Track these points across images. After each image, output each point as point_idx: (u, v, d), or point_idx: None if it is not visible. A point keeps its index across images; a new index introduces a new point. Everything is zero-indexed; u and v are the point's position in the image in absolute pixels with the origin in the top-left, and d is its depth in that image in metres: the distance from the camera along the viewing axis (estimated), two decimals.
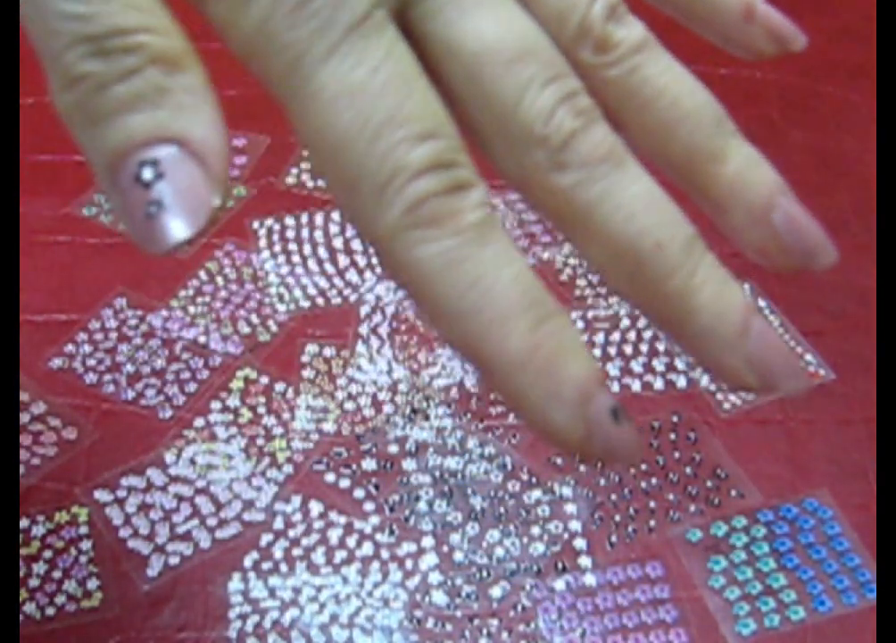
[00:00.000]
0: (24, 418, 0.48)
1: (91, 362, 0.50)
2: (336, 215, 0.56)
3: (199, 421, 0.48)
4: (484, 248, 0.19)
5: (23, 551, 0.44)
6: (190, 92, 0.19)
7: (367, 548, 0.44)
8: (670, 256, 0.21)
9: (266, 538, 0.45)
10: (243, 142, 0.59)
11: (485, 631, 0.42)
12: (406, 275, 0.19)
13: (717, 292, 0.21)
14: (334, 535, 0.45)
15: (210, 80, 0.20)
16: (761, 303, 0.53)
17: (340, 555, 0.44)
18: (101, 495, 0.46)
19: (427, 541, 0.45)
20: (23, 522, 0.45)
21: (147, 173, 0.19)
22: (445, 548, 0.44)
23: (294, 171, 0.58)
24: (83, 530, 0.45)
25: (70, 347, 0.50)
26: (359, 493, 0.46)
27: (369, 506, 0.46)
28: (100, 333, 0.51)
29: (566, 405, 0.19)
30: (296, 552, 0.44)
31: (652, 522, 0.45)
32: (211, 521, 0.45)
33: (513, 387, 0.20)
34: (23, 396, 0.48)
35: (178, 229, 0.19)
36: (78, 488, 0.46)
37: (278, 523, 0.45)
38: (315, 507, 0.46)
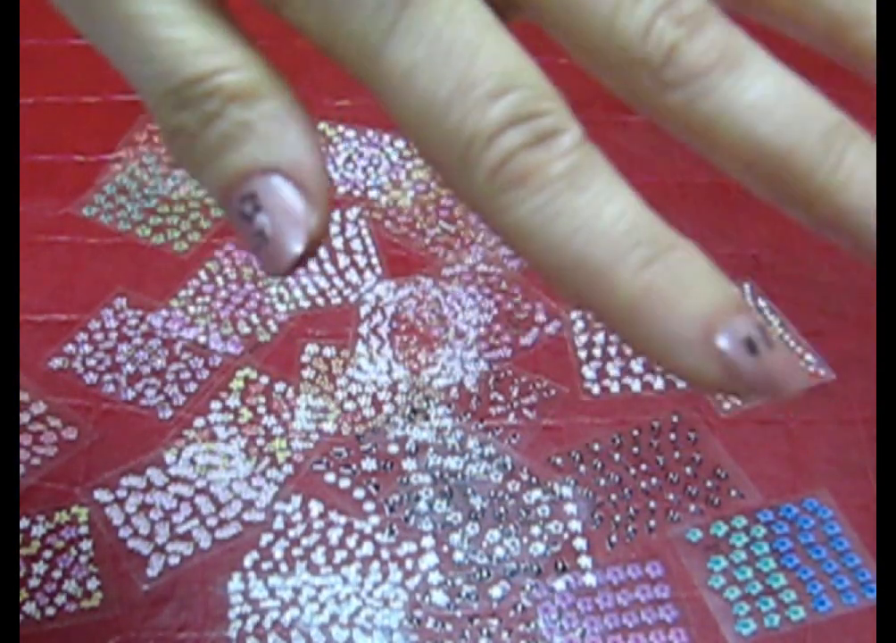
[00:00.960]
0: (24, 418, 0.48)
1: (91, 362, 0.50)
2: (335, 215, 0.56)
3: (199, 421, 0.48)
4: (578, 196, 0.18)
5: (23, 551, 0.44)
6: (273, 118, 0.20)
7: (367, 548, 0.44)
8: (808, 153, 0.19)
9: (266, 538, 0.45)
10: None
11: (485, 631, 0.42)
12: (507, 237, 0.19)
13: (865, 183, 0.20)
14: (334, 535, 0.45)
15: (295, 96, 0.20)
16: (761, 303, 0.53)
17: (340, 555, 0.44)
18: (101, 495, 0.46)
19: (427, 541, 0.45)
20: (23, 522, 0.45)
21: (247, 208, 0.20)
22: (445, 548, 0.44)
23: None
24: (83, 530, 0.45)
25: (70, 347, 0.50)
26: (359, 493, 0.46)
27: (369, 506, 0.46)
28: (100, 333, 0.51)
29: (691, 346, 0.18)
30: (296, 552, 0.44)
31: (652, 522, 0.45)
32: (211, 521, 0.45)
33: (634, 335, 0.19)
34: (23, 396, 0.48)
35: (284, 252, 0.20)
36: (78, 488, 0.46)
37: (278, 523, 0.45)
38: (315, 507, 0.46)
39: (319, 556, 0.44)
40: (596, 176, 0.19)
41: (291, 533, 0.45)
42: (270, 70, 0.20)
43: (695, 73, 0.19)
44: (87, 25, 0.20)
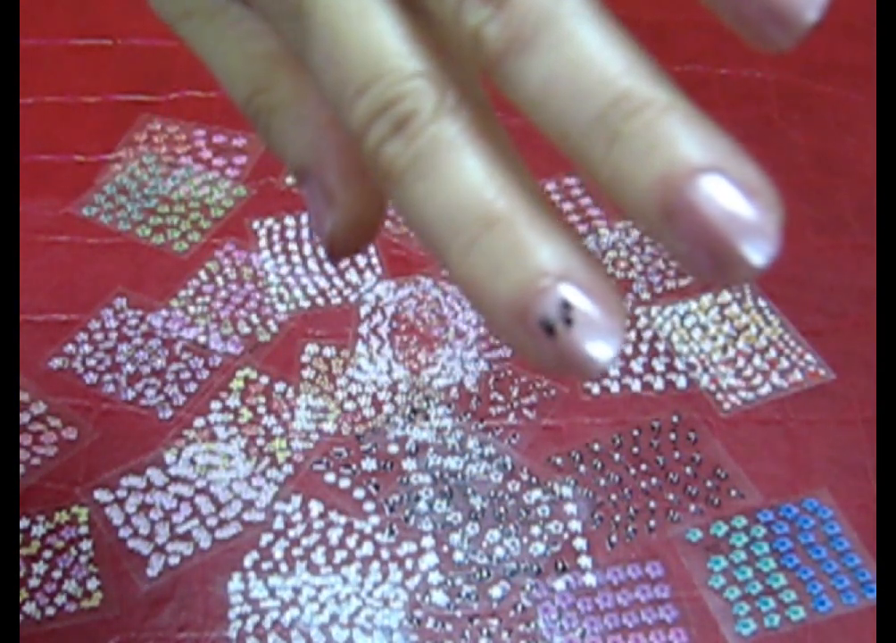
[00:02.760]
0: (24, 418, 0.48)
1: (91, 362, 0.50)
2: None
3: (199, 421, 0.48)
4: (417, 185, 0.18)
5: (23, 551, 0.44)
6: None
7: (367, 548, 0.44)
8: (577, 139, 0.17)
9: (266, 538, 0.45)
10: (243, 142, 0.59)
11: (485, 631, 0.42)
12: (382, 181, 0.19)
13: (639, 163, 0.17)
14: (334, 535, 0.45)
15: None
16: (761, 303, 0.53)
17: (340, 555, 0.44)
18: (101, 495, 0.46)
19: (427, 541, 0.45)
20: (23, 522, 0.45)
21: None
22: (445, 548, 0.44)
23: None
24: (83, 530, 0.45)
25: (70, 347, 0.50)
26: (359, 493, 0.46)
27: (369, 506, 0.46)
28: (100, 333, 0.51)
29: (506, 329, 0.17)
30: (296, 552, 0.44)
31: (652, 522, 0.45)
32: (211, 521, 0.45)
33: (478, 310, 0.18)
34: (23, 396, 0.48)
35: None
36: (79, 488, 0.46)
37: (278, 523, 0.45)
38: (315, 507, 0.46)
39: (319, 556, 0.44)
40: (438, 159, 0.18)
41: (291, 533, 0.45)
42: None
43: (495, 60, 0.18)
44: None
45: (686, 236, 0.16)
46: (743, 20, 0.18)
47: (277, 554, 0.44)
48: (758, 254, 0.16)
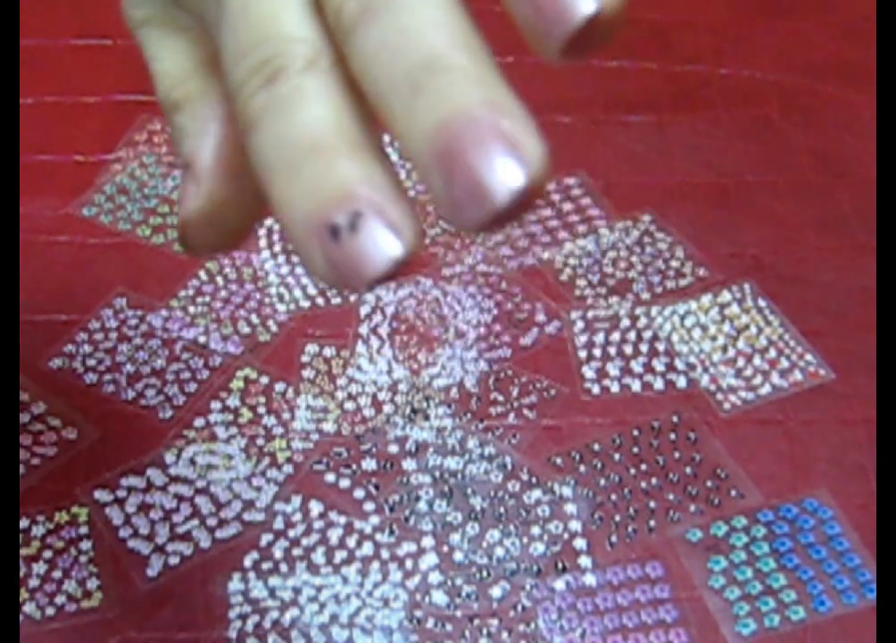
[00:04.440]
0: (24, 418, 0.48)
1: (91, 362, 0.50)
2: None
3: (199, 421, 0.48)
4: (271, 121, 0.19)
5: (23, 551, 0.44)
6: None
7: (367, 548, 0.44)
8: (393, 101, 0.19)
9: (266, 538, 0.45)
10: None
11: (485, 631, 0.42)
12: (244, 131, 0.20)
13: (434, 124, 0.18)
14: (334, 535, 0.45)
15: None
16: (761, 302, 0.53)
17: (340, 555, 0.44)
18: (101, 495, 0.46)
19: (427, 541, 0.45)
20: (23, 522, 0.45)
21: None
22: (445, 548, 0.44)
23: None
24: (83, 530, 0.45)
25: (70, 347, 0.50)
26: (359, 493, 0.46)
27: (369, 506, 0.46)
28: (100, 333, 0.51)
29: (298, 239, 0.19)
30: (296, 552, 0.44)
31: (652, 522, 0.45)
32: (211, 521, 0.45)
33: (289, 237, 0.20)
34: (23, 396, 0.48)
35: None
36: (78, 488, 0.46)
37: (278, 523, 0.45)
38: (315, 507, 0.46)
39: (319, 556, 0.44)
40: (291, 104, 0.19)
41: (291, 533, 0.45)
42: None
43: (347, 31, 0.19)
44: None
45: (449, 175, 0.18)
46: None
47: (277, 554, 0.44)
48: (505, 186, 0.18)
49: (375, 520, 0.45)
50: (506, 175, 0.17)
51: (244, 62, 0.20)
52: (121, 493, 0.46)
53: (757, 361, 0.51)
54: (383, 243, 0.18)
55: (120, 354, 0.50)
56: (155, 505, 0.45)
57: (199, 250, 0.24)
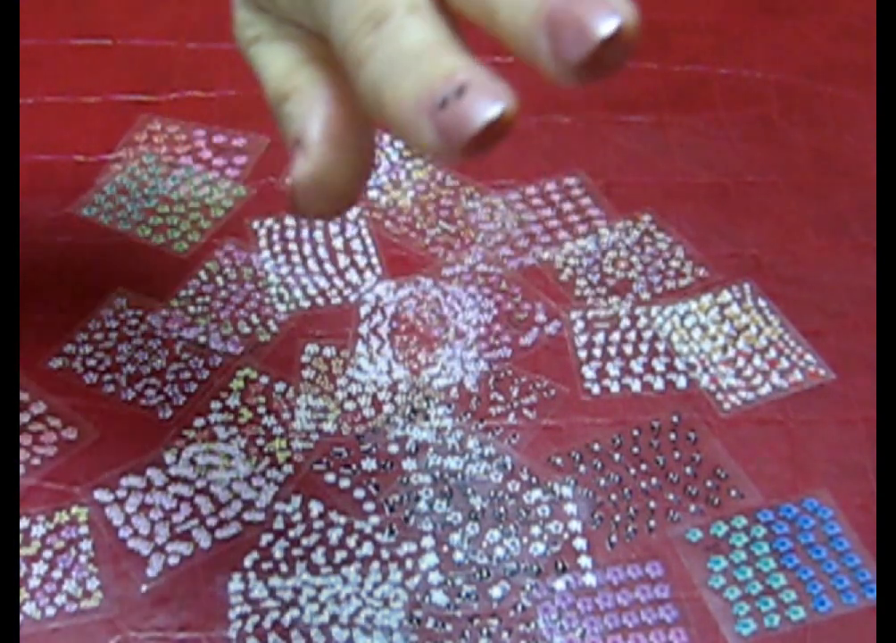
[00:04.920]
0: (24, 418, 0.48)
1: (91, 362, 0.50)
2: None
3: (199, 421, 0.48)
4: (379, 49, 0.23)
5: (23, 551, 0.44)
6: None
7: (367, 548, 0.44)
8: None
9: (266, 538, 0.45)
10: (243, 142, 0.59)
11: (485, 631, 0.42)
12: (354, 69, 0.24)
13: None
14: (334, 535, 0.45)
15: None
16: (761, 302, 0.53)
17: (340, 555, 0.44)
18: (101, 495, 0.46)
19: (427, 541, 0.45)
20: (23, 522, 0.45)
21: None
22: (445, 548, 0.44)
23: None
24: (83, 530, 0.45)
25: (70, 347, 0.50)
26: (359, 493, 0.46)
27: (369, 506, 0.46)
28: (100, 333, 0.51)
29: (406, 119, 0.22)
30: (296, 552, 0.44)
31: (652, 522, 0.45)
32: (211, 521, 0.45)
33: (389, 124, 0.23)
34: (23, 396, 0.48)
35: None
36: (78, 488, 0.46)
37: (278, 523, 0.45)
38: (315, 507, 0.46)
39: (319, 556, 0.44)
40: (397, 35, 0.23)
41: (291, 533, 0.45)
42: None
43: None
44: None
45: (556, 32, 0.21)
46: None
47: (277, 554, 0.44)
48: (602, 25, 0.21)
49: (375, 520, 0.45)
50: (603, 19, 0.21)
51: (353, 17, 0.23)
52: (121, 493, 0.46)
53: (757, 361, 0.51)
54: (485, 102, 0.21)
55: (120, 354, 0.50)
56: (155, 505, 0.45)
57: (308, 214, 0.27)
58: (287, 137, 0.27)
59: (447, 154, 0.22)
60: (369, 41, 0.23)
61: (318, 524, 0.45)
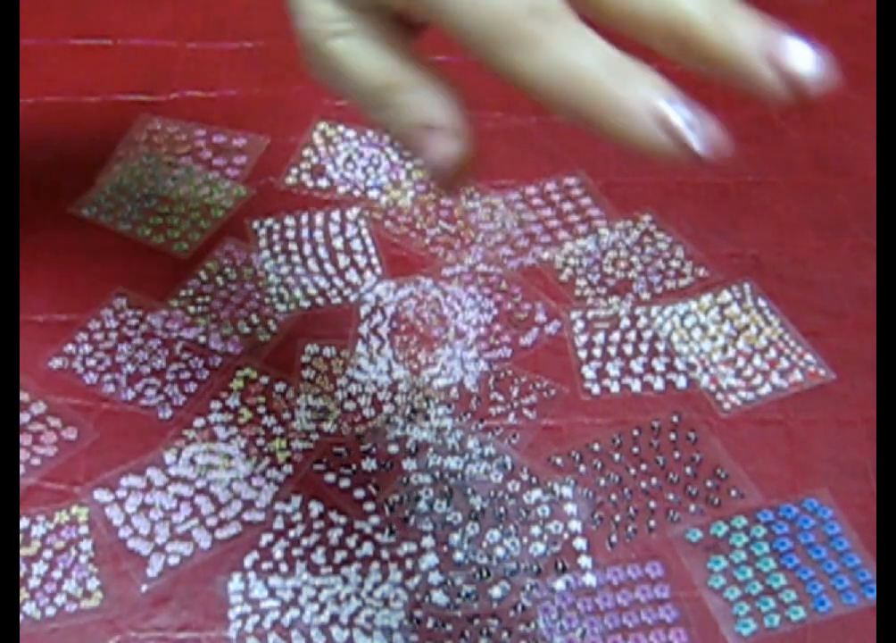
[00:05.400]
0: (24, 418, 0.48)
1: (91, 362, 0.50)
2: (335, 215, 0.56)
3: (199, 421, 0.48)
4: (547, 31, 0.26)
5: (23, 551, 0.44)
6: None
7: (367, 548, 0.44)
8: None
9: (266, 538, 0.45)
10: (243, 142, 0.59)
11: (485, 631, 0.42)
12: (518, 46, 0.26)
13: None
14: (334, 535, 0.45)
15: None
16: (761, 303, 0.53)
17: (340, 555, 0.44)
18: (101, 495, 0.46)
19: (427, 541, 0.45)
20: (23, 522, 0.45)
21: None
22: (445, 548, 0.44)
23: (294, 171, 0.58)
24: (83, 530, 0.45)
25: (70, 347, 0.50)
26: (359, 493, 0.46)
27: (369, 506, 0.46)
28: (100, 333, 0.51)
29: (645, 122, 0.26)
30: (296, 552, 0.44)
31: (652, 522, 0.45)
32: (211, 521, 0.45)
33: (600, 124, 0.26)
34: (23, 396, 0.48)
35: None
36: (78, 488, 0.46)
37: (278, 523, 0.45)
38: (315, 507, 0.46)
39: (319, 556, 0.44)
40: (559, 22, 0.26)
41: (291, 533, 0.45)
42: None
43: None
44: None
45: (776, 61, 0.27)
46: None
47: (277, 554, 0.44)
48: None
49: (375, 520, 0.45)
50: (805, 60, 0.26)
51: (517, 6, 0.25)
52: (121, 493, 0.46)
53: (757, 361, 0.51)
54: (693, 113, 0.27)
55: (120, 354, 0.50)
56: (155, 505, 0.45)
57: (456, 186, 0.29)
58: (403, 126, 0.29)
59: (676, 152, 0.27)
60: (534, 22, 0.25)
61: (318, 524, 0.45)
